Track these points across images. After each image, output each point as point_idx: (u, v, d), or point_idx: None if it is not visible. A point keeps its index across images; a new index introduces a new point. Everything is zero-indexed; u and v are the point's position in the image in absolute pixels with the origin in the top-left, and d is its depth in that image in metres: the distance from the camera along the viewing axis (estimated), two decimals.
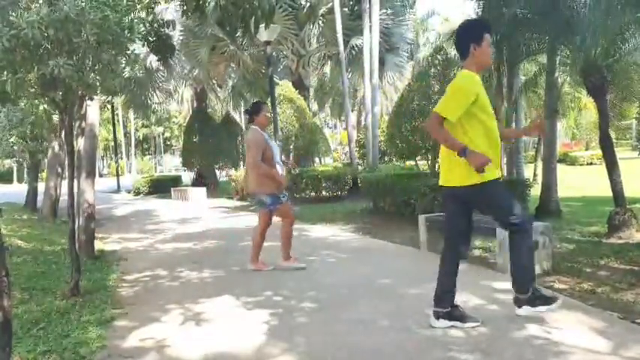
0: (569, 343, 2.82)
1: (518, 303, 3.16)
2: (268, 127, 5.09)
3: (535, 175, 12.83)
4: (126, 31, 3.88)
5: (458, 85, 3.07)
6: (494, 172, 3.06)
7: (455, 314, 3.18)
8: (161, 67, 17.82)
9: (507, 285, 3.71)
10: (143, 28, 4.72)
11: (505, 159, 10.84)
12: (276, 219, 5.14)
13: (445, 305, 3.17)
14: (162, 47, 6.88)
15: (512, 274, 3.17)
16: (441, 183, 3.23)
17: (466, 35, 3.18)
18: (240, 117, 31.64)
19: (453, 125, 3.03)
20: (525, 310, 3.12)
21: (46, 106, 6.62)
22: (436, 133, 3.09)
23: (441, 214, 6.10)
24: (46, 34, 3.54)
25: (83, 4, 3.52)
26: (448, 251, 3.30)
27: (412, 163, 10.68)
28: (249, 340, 3.18)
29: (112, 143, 34.18)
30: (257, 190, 4.97)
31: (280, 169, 5.01)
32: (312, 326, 3.36)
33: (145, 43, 6.12)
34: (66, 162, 4.89)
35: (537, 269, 4.45)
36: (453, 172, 3.11)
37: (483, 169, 2.93)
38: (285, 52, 16.79)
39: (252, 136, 4.94)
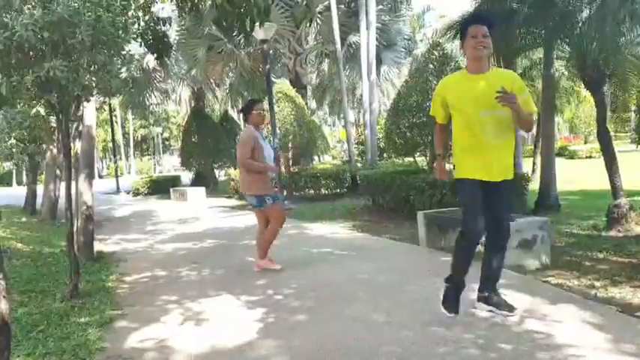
0: (568, 336, 2.83)
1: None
2: (263, 125, 5.00)
3: (534, 169, 12.82)
4: (120, 32, 3.87)
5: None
6: (461, 171, 3.16)
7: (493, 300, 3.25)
8: (158, 67, 17.82)
9: (506, 279, 3.72)
10: (138, 27, 4.71)
11: None
12: None
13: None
14: (158, 46, 6.86)
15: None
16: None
17: (460, 36, 3.30)
18: (238, 116, 31.60)
19: (454, 123, 3.22)
20: None
21: (42, 108, 6.62)
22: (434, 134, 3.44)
23: (440, 210, 6.11)
24: (40, 36, 3.53)
25: (76, 4, 3.50)
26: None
27: (411, 159, 10.67)
28: (248, 340, 3.18)
29: (111, 144, 34.19)
30: (245, 191, 4.98)
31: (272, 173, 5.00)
32: (312, 325, 3.36)
33: (142, 41, 6.11)
34: (64, 164, 4.88)
35: (537, 263, 4.48)
36: None
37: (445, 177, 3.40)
38: (282, 51, 16.77)
39: (242, 134, 5.00)
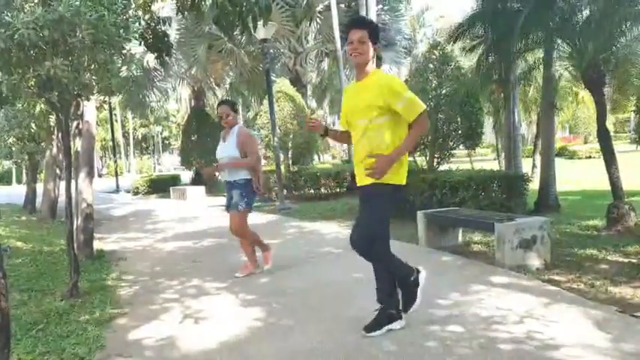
0: (567, 336, 2.83)
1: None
2: (225, 125, 4.86)
3: (534, 169, 12.82)
4: (121, 31, 3.87)
5: None
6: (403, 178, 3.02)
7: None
8: (158, 66, 17.77)
9: (506, 279, 3.72)
10: (139, 26, 4.70)
11: (503, 153, 10.85)
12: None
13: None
14: (159, 45, 6.86)
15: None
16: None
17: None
18: (238, 115, 31.40)
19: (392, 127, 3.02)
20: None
21: (42, 106, 6.62)
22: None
23: (440, 209, 6.11)
24: (41, 35, 3.53)
25: (78, 3, 3.50)
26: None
27: (410, 159, 10.67)
28: (248, 338, 3.18)
29: (111, 143, 34.15)
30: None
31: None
32: (311, 324, 3.36)
33: (142, 41, 6.11)
34: (64, 163, 4.87)
35: (536, 263, 4.48)
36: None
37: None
38: (282, 50, 16.76)
39: (248, 132, 5.02)
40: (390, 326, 3.06)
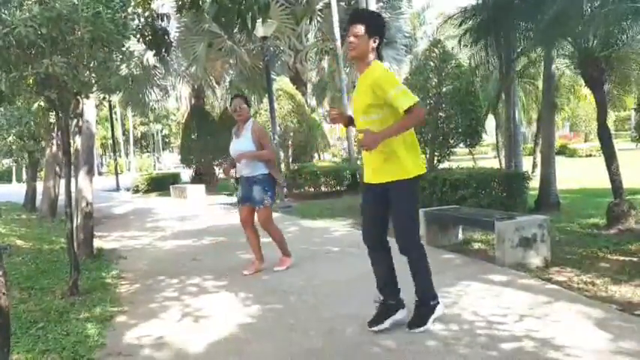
0: (568, 335, 2.82)
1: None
2: (238, 119, 4.86)
3: (534, 167, 12.81)
4: (120, 28, 3.85)
5: None
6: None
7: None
8: (158, 65, 17.75)
9: (506, 278, 3.72)
10: (138, 23, 4.69)
11: (504, 151, 10.84)
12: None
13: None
14: (158, 42, 6.84)
15: None
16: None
17: None
18: None
19: None
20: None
21: (42, 104, 6.60)
22: None
23: (441, 207, 6.11)
24: (39, 33, 3.51)
25: (75, 1, 3.49)
26: None
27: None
28: (247, 337, 3.18)
29: (110, 141, 34.15)
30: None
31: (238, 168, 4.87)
32: (311, 323, 3.36)
33: (141, 38, 6.08)
34: (63, 161, 4.87)
35: (537, 262, 4.48)
36: None
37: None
38: (282, 48, 16.73)
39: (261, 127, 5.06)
40: (434, 316, 3.08)
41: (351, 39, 2.94)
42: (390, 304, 3.12)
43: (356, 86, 3.18)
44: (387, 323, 3.07)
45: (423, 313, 3.06)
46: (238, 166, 4.81)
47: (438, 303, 3.10)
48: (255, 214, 4.84)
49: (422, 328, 3.01)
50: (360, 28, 2.93)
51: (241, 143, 4.77)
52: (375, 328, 3.05)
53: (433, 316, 3.06)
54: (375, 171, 3.03)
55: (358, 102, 3.03)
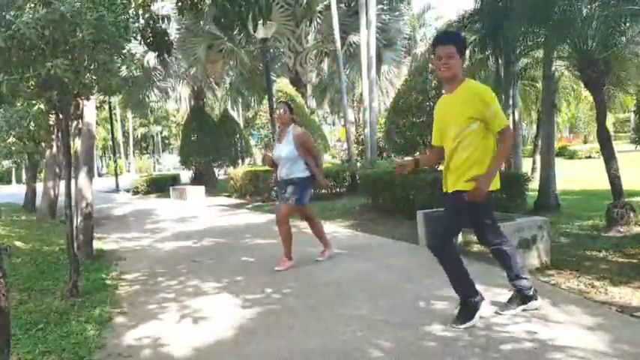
0: (567, 336, 2.83)
1: None
2: (280, 124, 5.19)
3: (534, 168, 12.82)
4: (122, 30, 3.86)
5: None
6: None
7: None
8: (158, 66, 17.80)
9: (505, 279, 3.72)
10: (138, 24, 4.71)
11: None
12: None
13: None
14: (159, 44, 6.86)
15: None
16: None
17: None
18: (237, 114, 31.51)
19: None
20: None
21: (42, 106, 6.61)
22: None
23: (440, 209, 6.11)
24: (41, 34, 3.52)
25: (79, 4, 3.50)
26: None
27: (410, 158, 10.67)
28: (247, 338, 3.18)
29: (111, 143, 34.15)
30: None
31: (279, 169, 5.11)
32: (310, 324, 3.37)
33: (142, 39, 6.11)
34: (63, 162, 4.87)
35: (536, 263, 4.48)
36: None
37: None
38: (282, 49, 16.76)
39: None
40: (525, 306, 3.24)
41: (445, 60, 3.06)
42: (525, 295, 3.26)
43: (441, 104, 3.31)
44: (519, 309, 3.25)
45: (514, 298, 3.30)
46: (278, 170, 5.08)
47: (483, 299, 3.23)
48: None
49: (509, 312, 3.22)
50: (452, 49, 3.05)
51: (282, 149, 5.01)
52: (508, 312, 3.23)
53: (478, 313, 3.16)
54: (452, 181, 3.23)
55: (453, 115, 3.12)
